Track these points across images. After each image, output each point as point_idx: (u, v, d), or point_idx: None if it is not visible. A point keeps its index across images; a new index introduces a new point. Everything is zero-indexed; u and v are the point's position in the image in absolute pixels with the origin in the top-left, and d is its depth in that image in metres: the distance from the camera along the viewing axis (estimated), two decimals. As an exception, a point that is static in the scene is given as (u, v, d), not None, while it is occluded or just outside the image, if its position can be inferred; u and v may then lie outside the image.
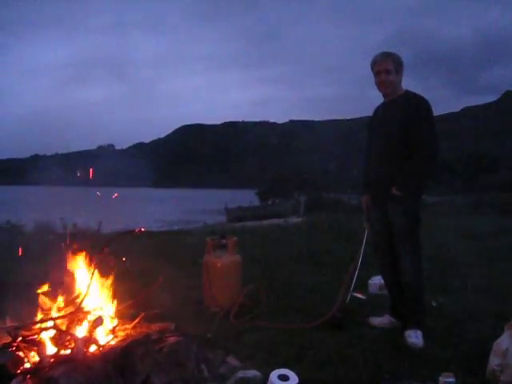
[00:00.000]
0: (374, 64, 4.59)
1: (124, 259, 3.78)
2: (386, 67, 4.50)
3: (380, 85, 4.60)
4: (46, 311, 3.52)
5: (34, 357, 3.12)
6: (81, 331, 3.34)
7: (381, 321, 4.84)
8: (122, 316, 3.70)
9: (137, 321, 3.59)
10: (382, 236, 4.68)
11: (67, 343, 3.21)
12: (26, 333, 3.29)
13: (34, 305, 3.55)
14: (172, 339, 3.42)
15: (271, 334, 4.38)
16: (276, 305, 5.36)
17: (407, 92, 4.58)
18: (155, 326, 3.60)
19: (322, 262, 8.17)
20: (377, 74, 4.57)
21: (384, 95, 4.68)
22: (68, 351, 3.14)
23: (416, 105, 4.43)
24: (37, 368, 2.99)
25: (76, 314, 3.45)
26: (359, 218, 5.11)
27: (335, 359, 3.84)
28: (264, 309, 5.17)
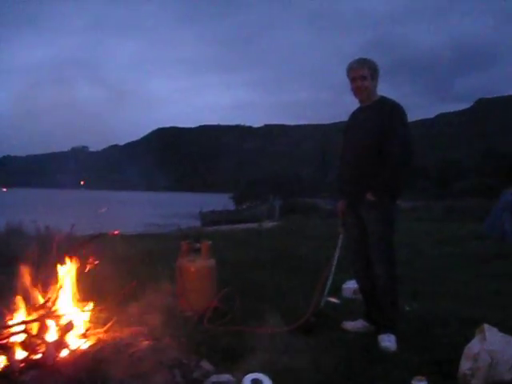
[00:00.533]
0: (350, 70, 4.62)
1: (96, 262, 3.73)
2: (362, 73, 4.53)
3: (355, 91, 4.63)
4: (17, 315, 3.47)
5: (4, 361, 3.07)
6: (52, 336, 3.29)
7: (354, 325, 4.85)
8: (94, 320, 3.65)
9: (109, 325, 3.56)
10: (357, 241, 4.71)
11: (38, 348, 3.17)
12: (-4, 337, 3.23)
13: (5, 309, 3.50)
14: (145, 344, 3.39)
15: (245, 339, 4.36)
16: (250, 309, 5.34)
17: (382, 98, 4.61)
18: (128, 331, 3.56)
19: (297, 267, 8.18)
20: (352, 80, 4.60)
21: (359, 101, 4.71)
22: (38, 356, 3.10)
23: (391, 110, 4.47)
24: (7, 373, 2.95)
25: (47, 318, 3.40)
26: (334, 223, 5.12)
27: (309, 363, 3.84)
28: (238, 313, 5.15)
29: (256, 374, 3.25)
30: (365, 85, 4.55)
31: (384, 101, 4.58)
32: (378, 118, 4.44)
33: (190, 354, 3.77)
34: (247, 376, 3.21)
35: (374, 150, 4.42)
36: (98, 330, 3.52)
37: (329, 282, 5.21)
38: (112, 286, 4.51)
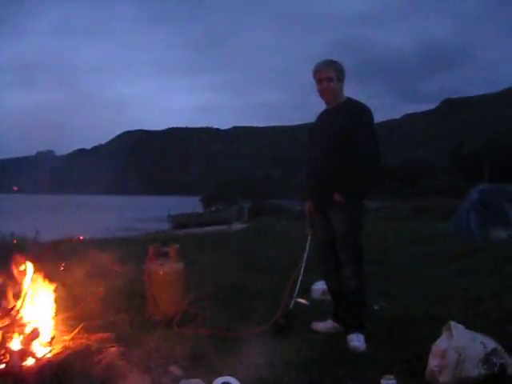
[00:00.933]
0: (316, 72, 4.63)
1: (62, 268, 3.68)
2: (328, 75, 4.55)
3: (321, 92, 4.65)
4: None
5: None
6: (16, 344, 3.23)
7: (324, 326, 4.87)
8: (61, 327, 3.59)
9: (75, 332, 3.51)
10: (325, 242, 4.72)
11: (2, 357, 3.11)
12: (-42, 347, 3.16)
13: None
14: (112, 350, 3.35)
15: (214, 342, 4.34)
16: (220, 312, 5.32)
17: (349, 99, 4.64)
18: (95, 337, 3.51)
19: (266, 268, 8.18)
20: (318, 81, 4.62)
21: (326, 102, 4.73)
22: (3, 365, 3.03)
23: (357, 112, 4.50)
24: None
25: (11, 326, 3.33)
26: (303, 224, 5.14)
27: (278, 365, 3.83)
28: (207, 316, 5.12)
29: (226, 377, 3.23)
30: (331, 86, 4.57)
31: (350, 102, 4.60)
32: (344, 120, 4.47)
33: (159, 358, 3.74)
34: (217, 380, 3.20)
35: (340, 152, 4.44)
36: (65, 338, 3.46)
37: (298, 284, 5.23)
38: (79, 291, 4.46)
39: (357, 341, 4.34)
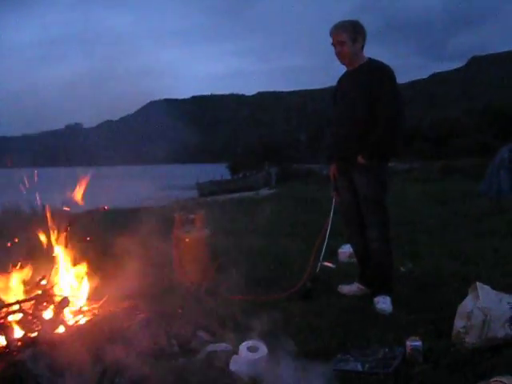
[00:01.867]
0: (330, 36, 4.57)
1: (89, 238, 3.74)
2: (339, 39, 4.47)
3: (336, 56, 4.59)
4: (13, 294, 3.48)
5: (1, 341, 3.09)
6: (47, 313, 3.31)
7: (350, 288, 4.89)
8: (90, 296, 3.67)
9: (104, 300, 3.57)
10: (350, 205, 4.71)
11: (34, 326, 3.19)
12: (-8, 317, 3.25)
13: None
14: (141, 316, 3.41)
15: (241, 307, 4.39)
16: (246, 277, 5.36)
17: (370, 60, 4.56)
18: (123, 305, 3.58)
19: (293, 233, 8.22)
20: (332, 45, 4.56)
21: (345, 65, 4.66)
22: (35, 334, 3.11)
23: (379, 72, 4.43)
24: (4, 352, 2.96)
25: (42, 296, 3.41)
26: (329, 188, 5.13)
27: (305, 329, 3.87)
28: (234, 282, 5.18)
29: (252, 341, 3.28)
30: (344, 50, 4.49)
31: (372, 63, 4.53)
32: (365, 81, 4.40)
33: (187, 324, 3.80)
34: (243, 343, 3.24)
35: (364, 114, 4.39)
36: (94, 306, 3.53)
37: (324, 247, 5.24)
38: (107, 260, 4.53)
39: (383, 303, 4.35)
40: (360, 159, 4.42)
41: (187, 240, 5.22)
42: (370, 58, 4.58)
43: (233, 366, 3.13)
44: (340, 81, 4.84)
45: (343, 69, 4.76)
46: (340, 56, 4.57)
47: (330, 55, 4.64)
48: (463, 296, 3.72)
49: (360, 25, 4.53)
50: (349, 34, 4.45)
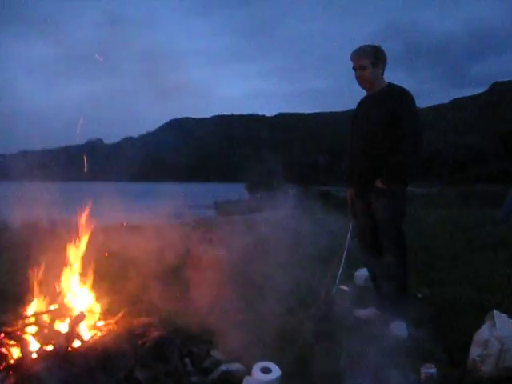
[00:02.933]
0: (351, 60, 4.61)
1: (107, 254, 3.78)
2: (360, 63, 4.51)
3: (357, 80, 4.63)
4: (30, 307, 3.52)
5: (17, 353, 3.12)
6: (63, 327, 3.33)
7: (366, 313, 4.86)
8: (106, 311, 3.69)
9: (120, 316, 3.59)
10: (367, 229, 4.71)
11: (50, 339, 3.21)
12: (9, 329, 3.29)
13: (18, 301, 3.55)
14: (155, 334, 3.43)
15: (256, 327, 4.38)
16: (261, 297, 5.36)
17: (390, 85, 4.59)
18: (138, 321, 3.60)
19: (309, 254, 8.18)
20: (353, 69, 4.59)
21: (365, 89, 4.69)
22: (50, 347, 3.14)
23: (399, 97, 4.44)
24: (19, 364, 2.99)
25: (59, 310, 3.45)
26: (347, 211, 5.13)
27: (318, 351, 3.86)
28: (249, 301, 5.17)
29: (265, 362, 3.27)
30: (364, 75, 4.53)
31: (392, 88, 4.55)
32: (385, 106, 4.42)
33: (201, 343, 3.81)
34: (257, 364, 3.24)
35: (382, 138, 4.40)
36: (109, 321, 3.56)
37: (340, 270, 5.23)
38: (123, 276, 4.56)
39: (398, 329, 4.32)
40: (378, 183, 4.43)
41: (204, 258, 5.24)
42: (389, 83, 4.60)
43: (245, 387, 3.13)
44: (360, 104, 4.86)
45: (363, 92, 4.79)
46: (360, 80, 4.60)
47: (351, 79, 4.68)
48: (479, 324, 3.69)
49: (381, 50, 4.56)
50: (370, 59, 4.49)
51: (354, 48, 4.61)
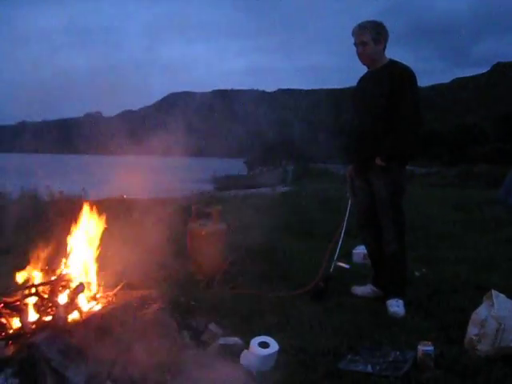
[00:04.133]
0: (352, 35, 4.56)
1: (105, 226, 3.76)
2: (362, 39, 4.47)
3: (358, 57, 4.59)
4: (29, 278, 3.52)
5: (16, 323, 3.12)
6: (62, 298, 3.34)
7: (363, 290, 4.88)
8: (104, 283, 3.69)
9: (119, 288, 3.59)
10: (366, 206, 4.70)
11: (49, 310, 3.22)
12: (8, 299, 3.29)
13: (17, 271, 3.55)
14: (154, 306, 3.43)
15: (254, 302, 4.41)
16: (260, 273, 5.38)
17: (391, 61, 4.55)
18: (137, 293, 3.60)
19: (307, 231, 8.20)
20: (355, 45, 4.55)
21: (366, 66, 4.65)
22: (50, 318, 3.14)
23: (400, 74, 4.41)
24: (19, 334, 3.00)
25: (58, 280, 3.44)
26: (345, 188, 5.12)
27: (316, 327, 3.88)
28: (248, 277, 5.19)
29: (263, 337, 3.28)
30: (366, 51, 4.49)
31: (393, 65, 4.51)
32: (386, 83, 4.39)
33: (199, 316, 3.82)
34: (255, 339, 3.25)
35: (382, 115, 4.38)
36: (108, 293, 3.56)
37: (338, 247, 5.24)
38: (122, 249, 4.56)
39: (396, 306, 4.34)
40: (378, 161, 4.41)
41: (203, 233, 5.24)
42: (391, 59, 4.56)
43: (243, 361, 3.14)
44: (360, 81, 4.83)
45: (364, 69, 4.75)
46: (362, 56, 4.56)
47: (352, 55, 4.63)
48: (476, 303, 3.70)
49: (383, 26, 4.51)
50: (371, 35, 4.44)
51: (356, 24, 4.56)
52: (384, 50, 4.54)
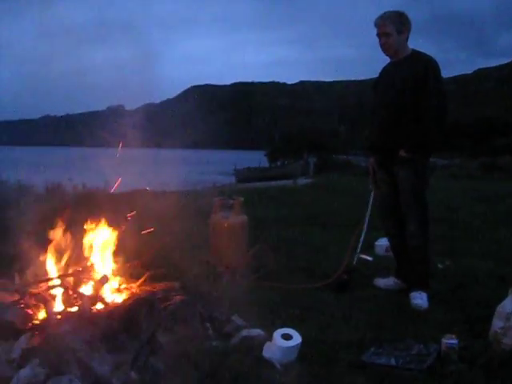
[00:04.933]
0: (375, 27, 4.52)
1: (130, 218, 3.79)
2: (384, 30, 4.42)
3: (381, 47, 4.54)
4: (55, 270, 3.56)
5: (42, 314, 3.17)
6: (87, 289, 3.38)
7: (386, 282, 4.86)
8: (129, 275, 3.73)
9: (142, 279, 3.62)
10: (389, 198, 4.67)
11: (74, 301, 3.26)
12: (34, 290, 3.34)
13: (43, 263, 3.59)
14: (177, 298, 3.45)
15: (276, 294, 4.41)
16: (282, 265, 5.38)
17: (414, 52, 4.50)
18: (160, 285, 3.62)
19: (330, 223, 8.18)
20: (377, 36, 4.51)
21: (389, 57, 4.61)
22: (74, 309, 3.18)
23: (424, 64, 4.36)
24: (44, 325, 3.04)
25: (83, 272, 3.49)
26: (367, 180, 5.10)
27: (339, 320, 3.87)
28: (270, 269, 5.20)
29: (286, 329, 3.28)
30: (389, 42, 4.44)
31: (416, 55, 4.46)
32: (409, 73, 4.34)
33: (222, 308, 3.84)
34: (278, 331, 3.25)
35: (406, 107, 4.34)
36: (132, 285, 3.59)
37: (361, 239, 5.22)
38: (146, 241, 4.59)
39: (419, 299, 4.32)
40: (402, 152, 4.37)
41: (225, 225, 5.25)
42: (414, 50, 4.52)
43: (266, 353, 3.15)
44: (383, 71, 4.78)
45: (386, 60, 4.71)
46: (385, 47, 4.51)
47: (374, 46, 4.59)
48: (500, 296, 3.66)
49: (405, 16, 4.46)
50: (394, 26, 4.39)
51: (378, 15, 4.52)
52: (407, 40, 4.50)
